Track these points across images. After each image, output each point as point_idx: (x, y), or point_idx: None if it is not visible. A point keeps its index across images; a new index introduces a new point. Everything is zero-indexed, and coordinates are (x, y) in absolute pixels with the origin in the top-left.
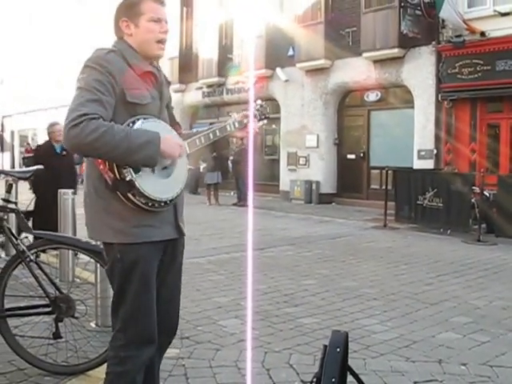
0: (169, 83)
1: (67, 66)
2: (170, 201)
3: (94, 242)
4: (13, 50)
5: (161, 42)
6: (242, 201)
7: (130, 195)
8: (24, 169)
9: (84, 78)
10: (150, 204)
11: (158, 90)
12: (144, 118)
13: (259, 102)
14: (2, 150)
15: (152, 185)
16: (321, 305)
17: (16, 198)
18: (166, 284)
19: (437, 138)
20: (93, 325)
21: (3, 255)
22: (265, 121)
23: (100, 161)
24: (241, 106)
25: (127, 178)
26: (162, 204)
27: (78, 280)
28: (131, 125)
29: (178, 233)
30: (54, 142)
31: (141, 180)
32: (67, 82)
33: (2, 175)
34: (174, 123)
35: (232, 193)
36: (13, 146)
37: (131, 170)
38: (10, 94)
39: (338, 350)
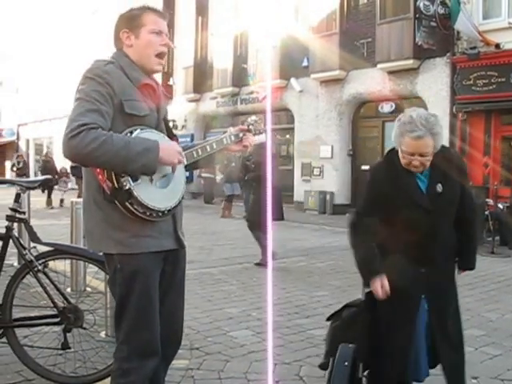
0: (166, 96)
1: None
2: (169, 211)
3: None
4: (28, 59)
5: (160, 55)
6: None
7: (128, 204)
8: (32, 178)
9: (83, 89)
10: (148, 213)
11: (155, 103)
12: (141, 129)
13: (253, 117)
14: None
15: (150, 194)
16: None
17: (28, 207)
18: (169, 295)
19: None
20: (103, 335)
21: (15, 263)
22: (260, 136)
23: (99, 170)
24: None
25: (125, 187)
26: (160, 214)
27: (88, 289)
28: (129, 135)
29: (178, 244)
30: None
31: (139, 189)
32: None
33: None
34: (171, 136)
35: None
36: (28, 155)
37: (129, 178)
38: (25, 103)
39: (346, 363)
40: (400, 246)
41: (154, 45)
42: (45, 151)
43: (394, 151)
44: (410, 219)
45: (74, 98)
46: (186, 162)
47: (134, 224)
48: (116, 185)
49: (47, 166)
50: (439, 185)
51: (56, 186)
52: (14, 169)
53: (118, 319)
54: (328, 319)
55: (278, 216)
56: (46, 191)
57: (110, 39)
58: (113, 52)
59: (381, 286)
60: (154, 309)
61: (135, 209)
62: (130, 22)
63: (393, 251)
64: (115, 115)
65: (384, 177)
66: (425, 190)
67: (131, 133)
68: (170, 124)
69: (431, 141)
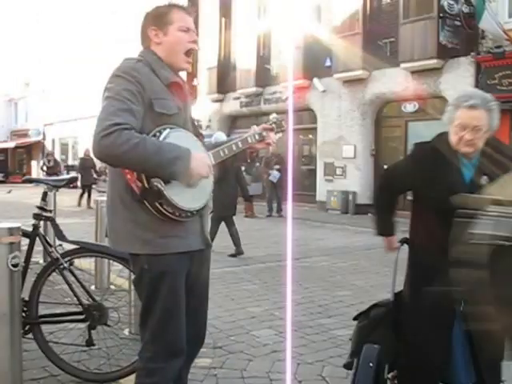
0: (191, 94)
1: (108, 74)
2: (197, 211)
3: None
4: (54, 60)
5: (188, 53)
6: (279, 211)
7: (157, 205)
8: (59, 177)
9: (113, 88)
10: (177, 214)
11: (182, 101)
12: (170, 128)
13: (274, 115)
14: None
15: (180, 194)
16: None
17: (54, 205)
18: (194, 293)
19: None
20: (126, 332)
21: (41, 261)
22: (280, 134)
23: (127, 170)
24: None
25: (156, 188)
26: (189, 214)
27: (112, 287)
28: (158, 134)
29: (205, 244)
30: None
31: (169, 189)
32: None
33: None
34: (197, 133)
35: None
36: (53, 154)
37: (160, 179)
38: (51, 103)
39: (371, 364)
40: (432, 237)
41: (183, 42)
42: (85, 149)
43: (442, 135)
44: (443, 209)
45: (103, 96)
46: (213, 162)
47: (162, 224)
48: (146, 185)
49: (86, 164)
50: (485, 177)
51: (94, 186)
52: (44, 168)
53: (144, 319)
54: (355, 318)
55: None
56: (86, 190)
57: (130, 39)
58: (140, 50)
59: (389, 243)
60: (181, 309)
61: (165, 209)
62: (158, 19)
63: (423, 243)
64: (144, 114)
65: (427, 156)
66: (468, 179)
67: (160, 132)
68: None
69: (486, 115)
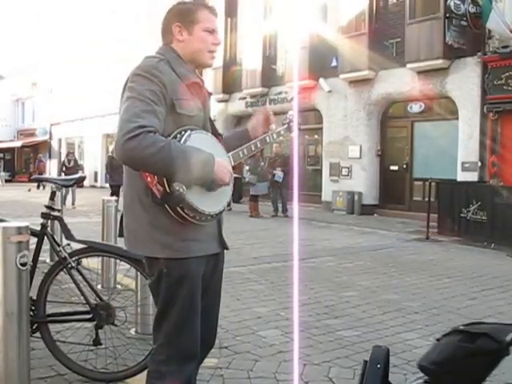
0: (209, 94)
1: (114, 75)
2: (217, 214)
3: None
4: (61, 60)
5: (212, 52)
6: (285, 211)
7: (178, 208)
8: (67, 177)
9: (135, 87)
10: (197, 217)
11: (201, 101)
12: (191, 130)
13: (291, 112)
14: (50, 158)
15: (201, 198)
16: (361, 317)
17: (62, 205)
18: (207, 295)
19: (481, 150)
20: (133, 332)
21: (48, 260)
22: (295, 132)
23: (147, 173)
24: (283, 116)
25: (177, 192)
26: (209, 218)
27: (119, 286)
28: (179, 136)
29: (222, 246)
30: None
31: (190, 194)
32: (114, 91)
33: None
34: (216, 133)
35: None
36: (60, 154)
37: (182, 183)
38: (58, 103)
39: (379, 366)
40: None
41: (207, 43)
42: (110, 149)
43: None
44: None
45: (124, 96)
46: (233, 163)
47: (182, 228)
48: (168, 189)
49: (113, 162)
50: None
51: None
52: (64, 168)
53: (160, 322)
54: (457, 329)
55: None
56: (115, 191)
57: (130, 39)
58: (159, 47)
59: None
60: (196, 313)
61: (186, 213)
62: (184, 16)
63: None
64: (166, 114)
65: None
66: None
67: (181, 133)
68: None
69: None
